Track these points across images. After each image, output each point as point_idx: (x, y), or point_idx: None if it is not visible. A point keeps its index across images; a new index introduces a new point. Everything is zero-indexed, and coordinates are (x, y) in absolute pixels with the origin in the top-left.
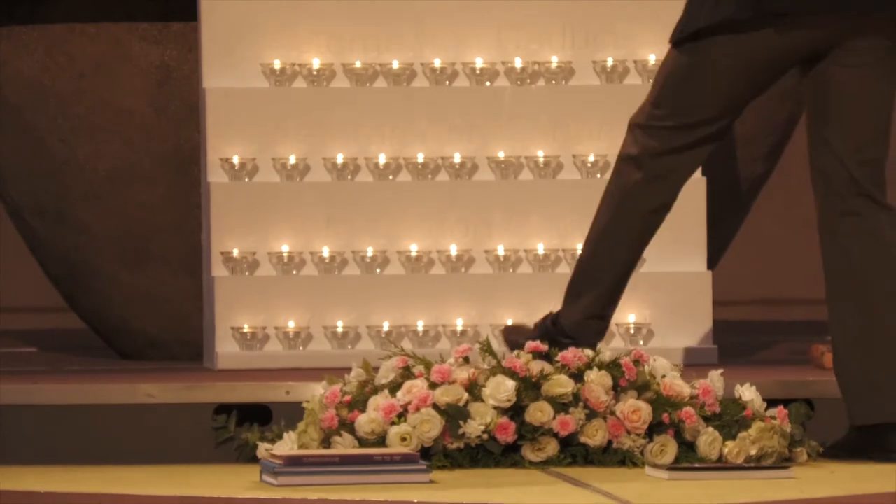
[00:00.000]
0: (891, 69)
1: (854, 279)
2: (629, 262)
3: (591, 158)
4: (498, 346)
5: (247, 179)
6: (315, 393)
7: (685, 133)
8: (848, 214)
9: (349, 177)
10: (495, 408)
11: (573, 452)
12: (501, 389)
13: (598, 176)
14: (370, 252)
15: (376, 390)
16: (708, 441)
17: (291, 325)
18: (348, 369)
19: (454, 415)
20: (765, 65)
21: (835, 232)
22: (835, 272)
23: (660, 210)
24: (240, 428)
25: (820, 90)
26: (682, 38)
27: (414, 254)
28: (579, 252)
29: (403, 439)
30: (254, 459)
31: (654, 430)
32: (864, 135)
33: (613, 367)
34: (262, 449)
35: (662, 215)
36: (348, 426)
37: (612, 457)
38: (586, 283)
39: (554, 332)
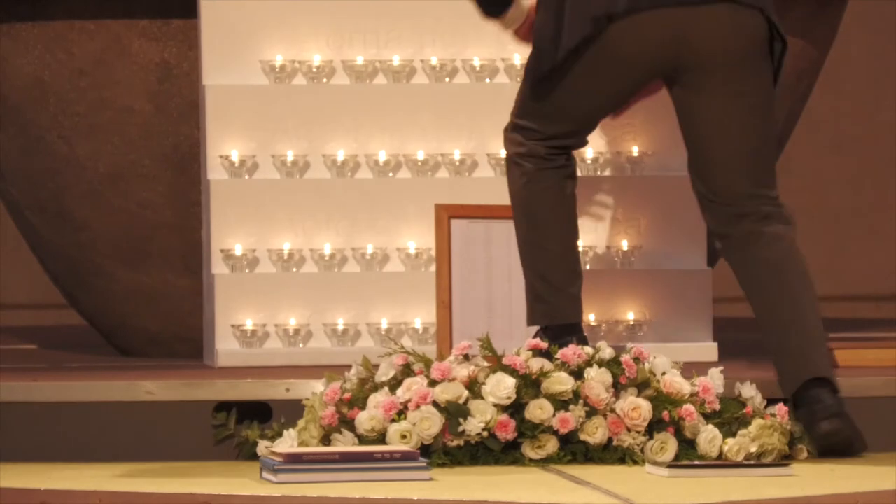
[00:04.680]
0: None
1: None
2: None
3: (590, 154)
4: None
5: (247, 177)
6: (315, 390)
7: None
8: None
9: (349, 174)
10: (495, 405)
11: (573, 450)
12: (501, 387)
13: (598, 172)
14: (370, 249)
15: (376, 388)
16: (708, 439)
17: (292, 322)
18: (348, 367)
19: (454, 412)
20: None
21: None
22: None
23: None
24: (240, 425)
25: None
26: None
27: (413, 251)
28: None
29: (403, 437)
30: (254, 457)
31: (654, 427)
32: None
33: (613, 364)
34: (262, 446)
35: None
36: (348, 424)
37: (612, 454)
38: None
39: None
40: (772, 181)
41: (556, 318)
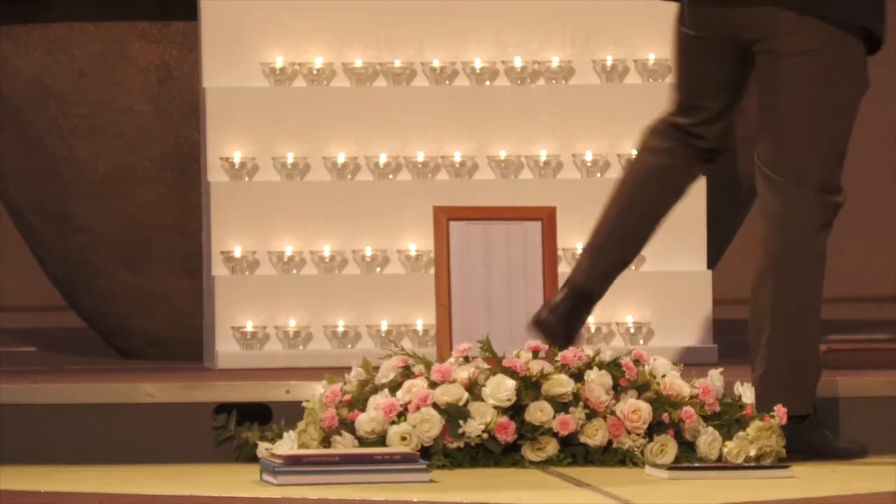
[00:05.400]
0: None
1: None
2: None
3: (591, 157)
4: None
5: (247, 179)
6: (315, 392)
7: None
8: None
9: (349, 176)
10: (495, 407)
11: (573, 452)
12: (501, 389)
13: (598, 175)
14: (370, 251)
15: (376, 390)
16: (708, 441)
17: (292, 324)
18: (348, 369)
19: (454, 414)
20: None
21: None
22: None
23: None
24: (240, 427)
25: None
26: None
27: (414, 253)
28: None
29: (403, 439)
30: (254, 459)
31: (654, 429)
32: None
33: (613, 366)
34: (262, 448)
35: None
36: (348, 425)
37: (612, 456)
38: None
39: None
40: (836, 161)
41: (577, 284)
